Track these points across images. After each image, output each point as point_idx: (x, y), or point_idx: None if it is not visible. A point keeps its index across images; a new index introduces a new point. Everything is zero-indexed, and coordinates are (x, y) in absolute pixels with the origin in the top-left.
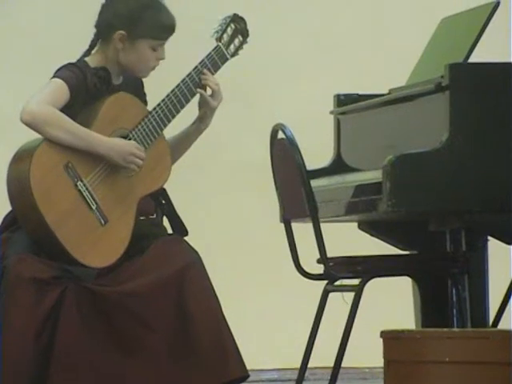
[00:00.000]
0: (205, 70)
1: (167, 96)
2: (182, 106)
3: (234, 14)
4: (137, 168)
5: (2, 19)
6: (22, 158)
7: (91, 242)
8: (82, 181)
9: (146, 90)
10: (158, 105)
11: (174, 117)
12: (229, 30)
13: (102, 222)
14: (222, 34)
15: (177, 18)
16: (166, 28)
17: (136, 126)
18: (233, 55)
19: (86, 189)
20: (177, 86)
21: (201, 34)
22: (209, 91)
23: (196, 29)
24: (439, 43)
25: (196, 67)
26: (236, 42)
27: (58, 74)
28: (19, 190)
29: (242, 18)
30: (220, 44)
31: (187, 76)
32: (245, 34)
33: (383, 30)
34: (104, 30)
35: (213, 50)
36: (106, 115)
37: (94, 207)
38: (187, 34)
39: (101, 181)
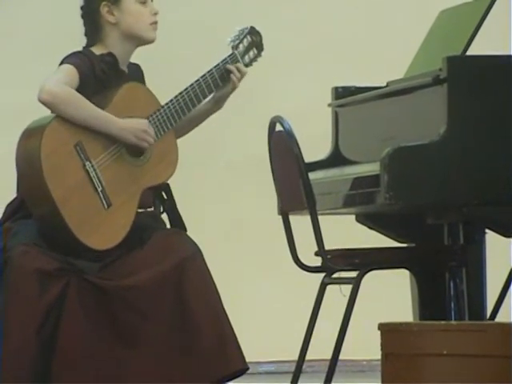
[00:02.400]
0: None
1: (180, 93)
2: (194, 106)
3: (251, 27)
4: (147, 145)
5: (7, 11)
6: (33, 134)
7: (93, 223)
8: (90, 161)
9: (158, 90)
10: (171, 101)
11: (185, 114)
12: (245, 42)
13: (106, 205)
14: (238, 44)
15: (188, 24)
16: None
17: (148, 116)
18: (246, 65)
19: (94, 170)
20: (190, 86)
21: (215, 39)
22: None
23: (211, 32)
24: (437, 36)
25: (210, 70)
26: (251, 53)
27: (66, 60)
28: (28, 165)
29: (258, 32)
30: (236, 52)
31: (201, 77)
32: (260, 47)
33: (381, 23)
34: (93, 19)
35: (228, 56)
36: (120, 102)
37: (99, 189)
38: (201, 38)
39: (109, 164)
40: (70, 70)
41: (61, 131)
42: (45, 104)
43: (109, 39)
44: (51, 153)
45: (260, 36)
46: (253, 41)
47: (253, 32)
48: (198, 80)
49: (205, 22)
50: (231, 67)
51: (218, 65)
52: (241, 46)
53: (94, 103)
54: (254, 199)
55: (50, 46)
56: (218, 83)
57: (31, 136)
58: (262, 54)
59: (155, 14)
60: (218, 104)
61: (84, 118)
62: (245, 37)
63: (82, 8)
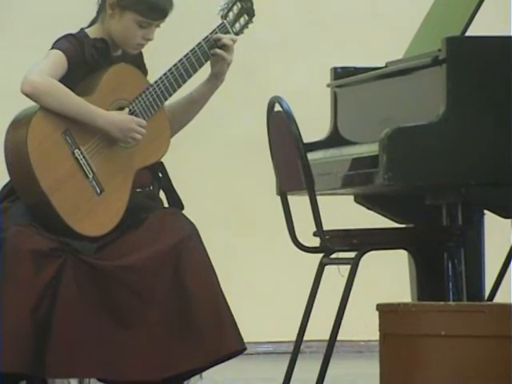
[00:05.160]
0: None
1: (169, 70)
2: (184, 81)
3: None
4: (134, 142)
5: None
6: (20, 124)
7: (85, 210)
8: (79, 149)
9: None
10: (160, 78)
11: (175, 90)
12: (235, 9)
13: (98, 191)
14: (227, 12)
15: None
16: (153, 8)
17: (136, 97)
18: (237, 33)
19: (83, 157)
20: (179, 61)
21: (204, 14)
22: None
23: (200, 8)
24: (437, 16)
25: (199, 43)
26: (242, 20)
27: (56, 45)
28: (16, 155)
29: None
30: (225, 21)
31: (190, 51)
32: (251, 13)
33: (381, 3)
34: None
35: (217, 26)
36: (107, 85)
37: (90, 176)
38: (191, 12)
39: (98, 150)
40: (57, 57)
41: (48, 121)
42: (27, 95)
43: (106, 26)
44: (38, 144)
45: (251, 2)
46: (243, 7)
47: None
48: (186, 54)
49: (201, 4)
50: (216, 51)
51: (207, 37)
52: (230, 14)
53: (80, 88)
54: (251, 179)
55: (51, 21)
56: (209, 56)
57: (18, 127)
58: (254, 20)
59: (148, 39)
60: (219, 78)
61: (68, 110)
62: (234, 4)
63: None
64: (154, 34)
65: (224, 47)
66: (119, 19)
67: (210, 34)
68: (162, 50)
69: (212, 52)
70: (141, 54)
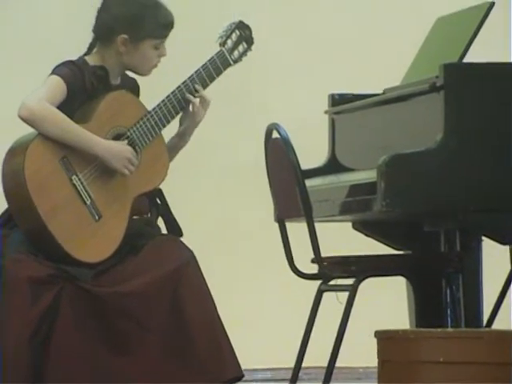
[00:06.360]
0: (197, 87)
1: (167, 97)
2: (182, 108)
3: (240, 21)
4: (128, 173)
5: (1, 16)
6: (17, 151)
7: (83, 236)
8: (77, 175)
9: (147, 91)
10: (158, 105)
11: (173, 118)
12: (233, 37)
13: (96, 217)
14: (226, 40)
15: (178, 21)
16: (166, 26)
17: (134, 124)
18: (236, 61)
19: (81, 183)
20: (177, 88)
21: (203, 38)
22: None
23: (198, 31)
24: (434, 43)
25: (198, 70)
26: (240, 48)
27: (56, 71)
28: (13, 182)
29: (247, 26)
30: (223, 49)
31: (188, 78)
32: (249, 41)
33: (378, 30)
34: (104, 35)
35: (215, 54)
36: (105, 112)
37: (88, 202)
38: (189, 37)
39: (96, 176)
40: (56, 83)
41: (45, 147)
42: (24, 121)
43: (107, 57)
44: (36, 171)
45: (249, 30)
46: (241, 35)
47: (241, 26)
48: (184, 81)
49: (200, 32)
50: (191, 97)
51: (205, 64)
52: (229, 41)
53: (78, 115)
54: (250, 205)
55: (49, 47)
56: (208, 84)
57: (15, 155)
58: (252, 48)
59: (162, 56)
60: (183, 138)
61: (65, 137)
62: (233, 32)
63: (98, 19)
64: (164, 47)
65: (199, 99)
66: (135, 52)
67: (208, 61)
68: (161, 77)
69: (189, 97)
70: (138, 87)
